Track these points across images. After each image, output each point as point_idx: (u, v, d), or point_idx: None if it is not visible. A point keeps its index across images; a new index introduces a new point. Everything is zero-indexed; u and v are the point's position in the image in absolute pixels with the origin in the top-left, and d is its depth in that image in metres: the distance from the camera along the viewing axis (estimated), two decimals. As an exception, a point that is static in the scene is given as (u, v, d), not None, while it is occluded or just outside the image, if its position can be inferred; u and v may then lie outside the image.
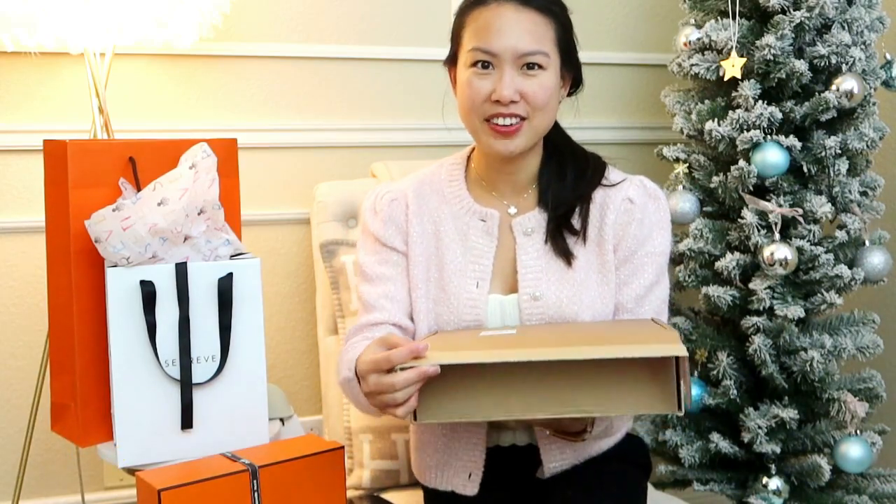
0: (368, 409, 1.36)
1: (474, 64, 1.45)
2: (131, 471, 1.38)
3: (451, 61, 1.53)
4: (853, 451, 1.92)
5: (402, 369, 1.23)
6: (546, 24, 1.46)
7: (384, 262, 1.54)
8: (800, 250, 1.91)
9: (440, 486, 1.56)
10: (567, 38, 1.50)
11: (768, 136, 1.92)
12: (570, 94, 1.57)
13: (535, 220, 1.52)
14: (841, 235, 1.95)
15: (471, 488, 1.52)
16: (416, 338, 1.51)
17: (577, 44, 1.53)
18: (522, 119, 1.45)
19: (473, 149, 1.60)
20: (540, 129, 1.48)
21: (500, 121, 1.45)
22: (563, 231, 1.50)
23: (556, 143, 1.56)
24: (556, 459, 1.51)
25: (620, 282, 1.49)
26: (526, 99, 1.44)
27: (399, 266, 1.54)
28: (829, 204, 1.93)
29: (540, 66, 1.44)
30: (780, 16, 1.93)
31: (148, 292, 1.39)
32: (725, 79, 1.96)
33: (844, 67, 1.92)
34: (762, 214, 1.94)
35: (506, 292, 1.50)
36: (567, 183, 1.53)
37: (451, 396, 1.24)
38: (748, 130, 1.92)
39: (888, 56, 2.00)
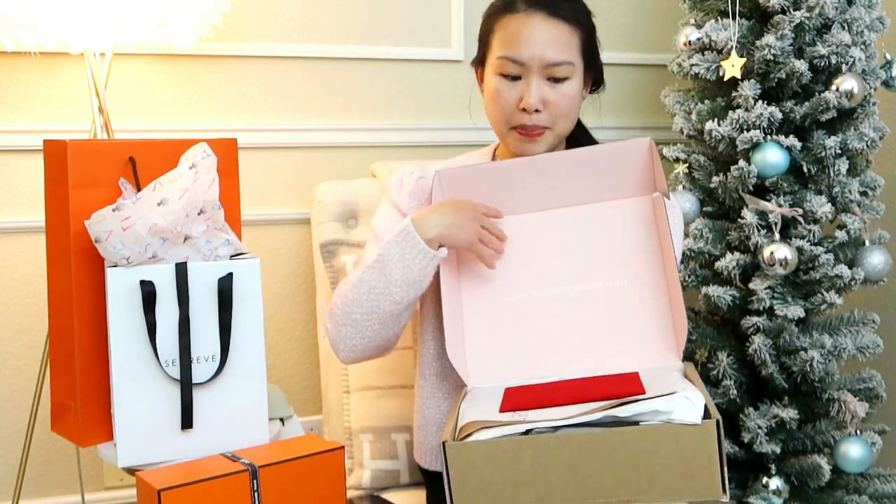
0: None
1: (503, 74, 1.52)
2: (131, 471, 1.38)
3: (479, 62, 1.60)
4: (853, 451, 1.92)
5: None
6: (571, 33, 1.53)
7: None
8: (800, 250, 1.91)
9: (440, 467, 1.56)
10: (591, 44, 1.58)
11: (768, 136, 1.92)
12: (591, 92, 1.64)
13: None
14: (841, 235, 1.95)
15: None
16: (422, 313, 1.60)
17: (599, 45, 1.61)
18: (546, 128, 1.52)
19: (499, 144, 1.66)
20: (562, 133, 1.57)
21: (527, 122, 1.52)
22: None
23: (579, 140, 1.63)
24: None
25: None
26: (549, 108, 1.51)
27: None
28: (829, 204, 1.93)
29: (566, 78, 1.52)
30: (780, 16, 1.93)
31: (148, 292, 1.38)
32: (725, 79, 1.95)
33: (844, 67, 1.92)
34: (762, 214, 1.93)
35: None
36: None
37: (489, 488, 1.22)
38: (748, 130, 1.92)
39: (888, 56, 2.00)
